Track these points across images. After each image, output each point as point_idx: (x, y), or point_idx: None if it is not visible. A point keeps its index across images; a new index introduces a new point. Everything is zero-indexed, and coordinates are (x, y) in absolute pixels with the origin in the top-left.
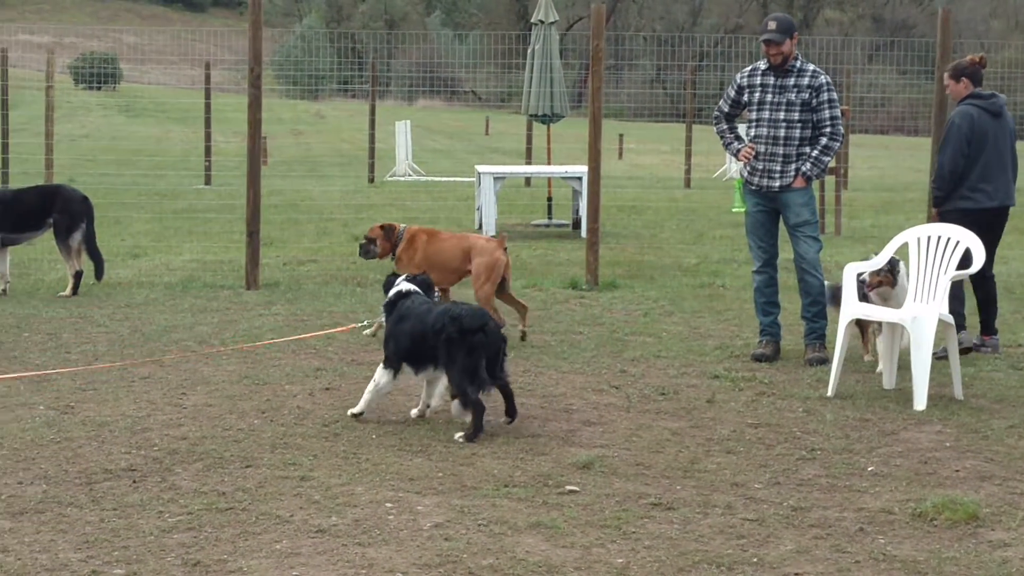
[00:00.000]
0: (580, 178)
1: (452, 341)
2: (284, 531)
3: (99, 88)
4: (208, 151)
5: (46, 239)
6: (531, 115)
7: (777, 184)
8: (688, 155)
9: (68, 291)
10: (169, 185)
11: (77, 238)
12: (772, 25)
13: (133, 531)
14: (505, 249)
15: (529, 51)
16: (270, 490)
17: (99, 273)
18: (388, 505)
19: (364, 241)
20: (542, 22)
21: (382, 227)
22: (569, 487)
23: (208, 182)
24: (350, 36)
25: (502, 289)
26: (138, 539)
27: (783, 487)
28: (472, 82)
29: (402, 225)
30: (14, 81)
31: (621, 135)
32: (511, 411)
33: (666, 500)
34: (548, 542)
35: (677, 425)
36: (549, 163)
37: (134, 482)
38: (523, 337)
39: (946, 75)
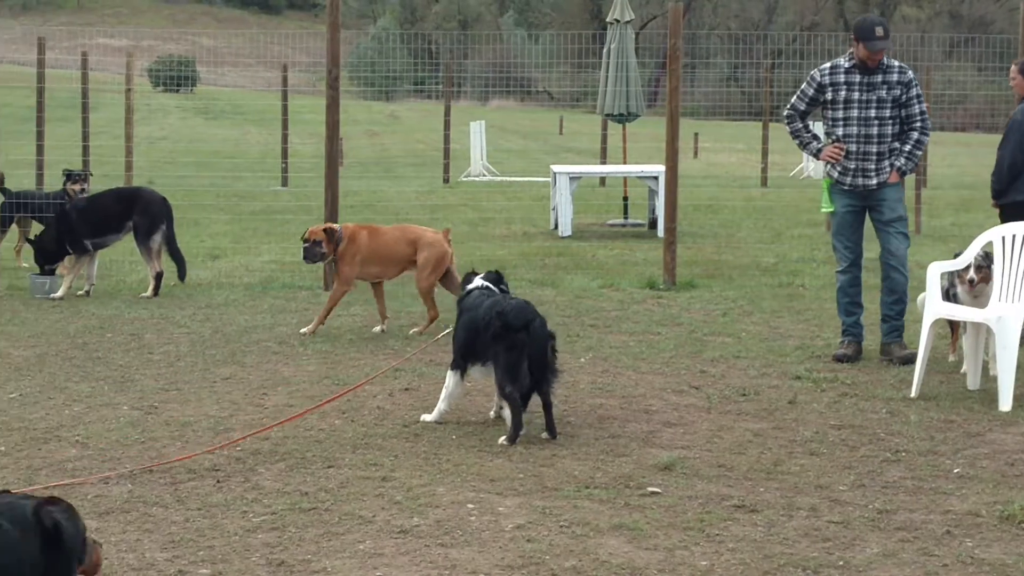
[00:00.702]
0: (656, 177)
1: (496, 337)
2: (367, 531)
3: (177, 91)
4: (285, 153)
5: (126, 241)
6: (607, 114)
7: (874, 181)
8: (765, 153)
9: (150, 292)
10: (247, 187)
11: (157, 240)
12: (880, 32)
13: (218, 531)
14: (449, 241)
15: (605, 50)
16: (352, 490)
17: (181, 274)
18: (470, 506)
19: (308, 244)
20: (618, 21)
21: (324, 229)
22: (651, 488)
23: (285, 184)
24: (424, 37)
25: (450, 283)
26: (223, 539)
27: (868, 489)
28: (546, 82)
29: (338, 225)
30: (93, 84)
31: (696, 134)
32: (550, 427)
33: (749, 502)
34: (631, 544)
35: (759, 426)
36: (625, 162)
37: (218, 482)
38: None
39: (1014, 68)
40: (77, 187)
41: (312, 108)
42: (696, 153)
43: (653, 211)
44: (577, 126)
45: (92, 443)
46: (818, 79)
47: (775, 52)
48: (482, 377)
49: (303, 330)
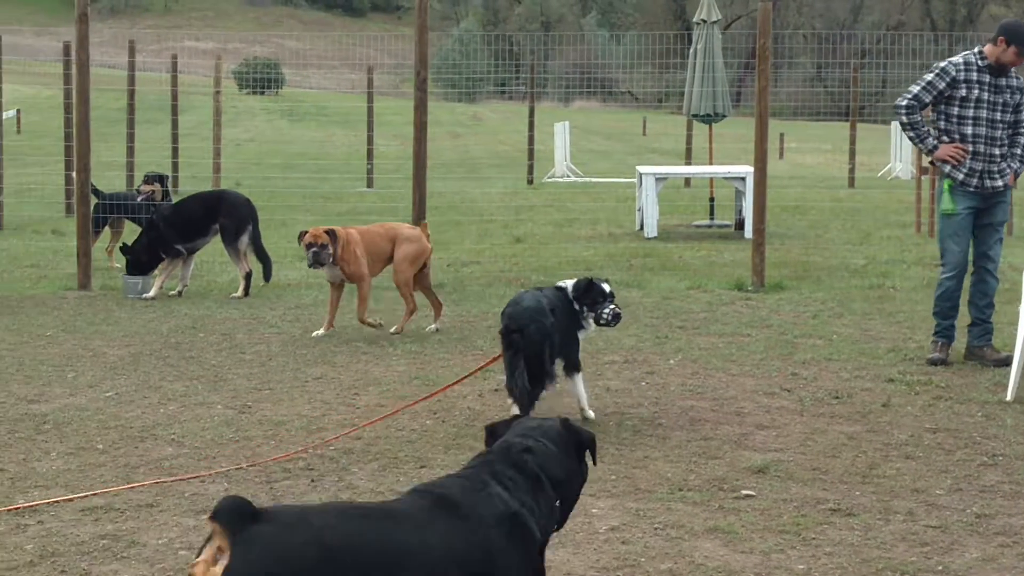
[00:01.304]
0: (743, 178)
1: (501, 335)
2: None
3: (262, 93)
4: (370, 154)
5: (216, 243)
6: (693, 115)
7: (1000, 183)
8: (852, 154)
9: (240, 292)
10: (332, 188)
11: (244, 241)
12: None
13: None
14: (428, 236)
15: (691, 50)
16: None
17: (267, 274)
18: (595, 511)
19: (316, 248)
20: (704, 21)
21: (327, 231)
22: (745, 491)
23: (370, 185)
24: (507, 38)
25: (422, 279)
26: None
27: (965, 493)
28: (628, 82)
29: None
30: (181, 87)
31: (782, 134)
32: None
33: (845, 506)
34: (726, 547)
35: (852, 429)
36: (711, 163)
37: (312, 481)
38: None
39: None
40: (147, 188)
41: (395, 110)
42: (782, 154)
43: (740, 212)
44: (660, 127)
45: (187, 441)
46: (952, 74)
47: (861, 52)
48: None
49: (394, 329)
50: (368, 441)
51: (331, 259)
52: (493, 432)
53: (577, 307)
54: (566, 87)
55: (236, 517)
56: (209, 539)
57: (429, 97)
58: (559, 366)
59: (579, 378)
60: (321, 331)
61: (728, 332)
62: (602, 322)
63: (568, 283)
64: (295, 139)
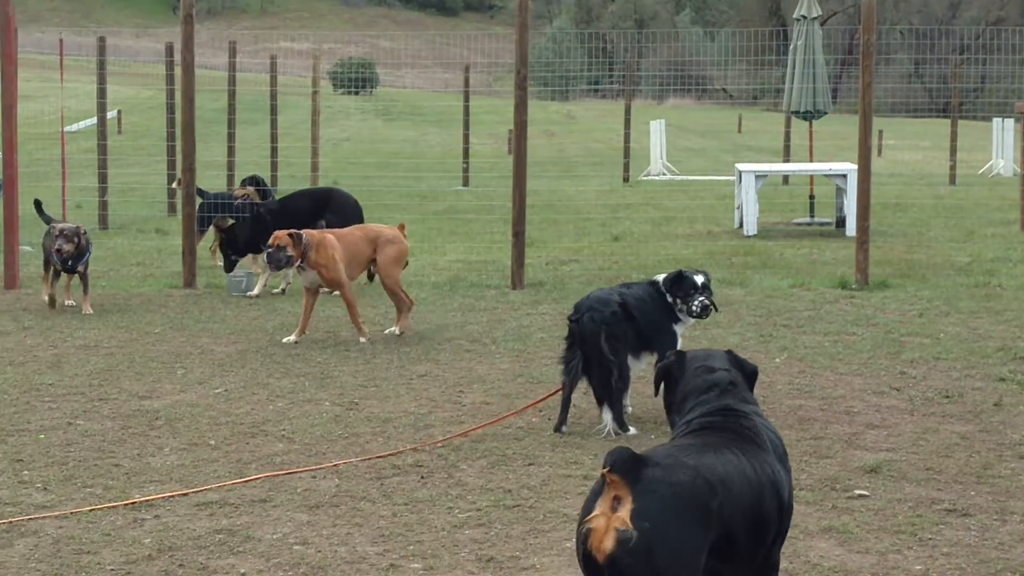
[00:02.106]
0: (844, 175)
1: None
2: (572, 529)
3: (356, 93)
4: (466, 153)
5: None
6: (793, 112)
7: None
8: (953, 151)
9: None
10: (428, 187)
11: None
12: None
13: (425, 526)
14: (405, 236)
15: (791, 47)
16: (555, 488)
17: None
18: None
19: (272, 248)
20: (804, 17)
21: (289, 234)
22: (858, 491)
23: (466, 183)
24: (600, 36)
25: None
26: (431, 534)
27: None
28: (723, 80)
29: (302, 233)
30: (277, 87)
31: (880, 131)
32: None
33: (961, 506)
34: (842, 547)
35: (965, 429)
36: (811, 160)
37: (422, 477)
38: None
39: None
40: (241, 192)
41: (489, 109)
42: (880, 151)
43: (840, 209)
44: (756, 124)
45: (298, 438)
46: None
47: (960, 47)
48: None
49: (397, 330)
50: (475, 439)
51: (291, 261)
52: (668, 372)
53: (670, 299)
54: (660, 85)
55: (631, 466)
56: (599, 493)
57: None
58: (650, 358)
59: None
60: (292, 337)
61: (833, 331)
62: (693, 313)
63: (661, 277)
64: (390, 138)
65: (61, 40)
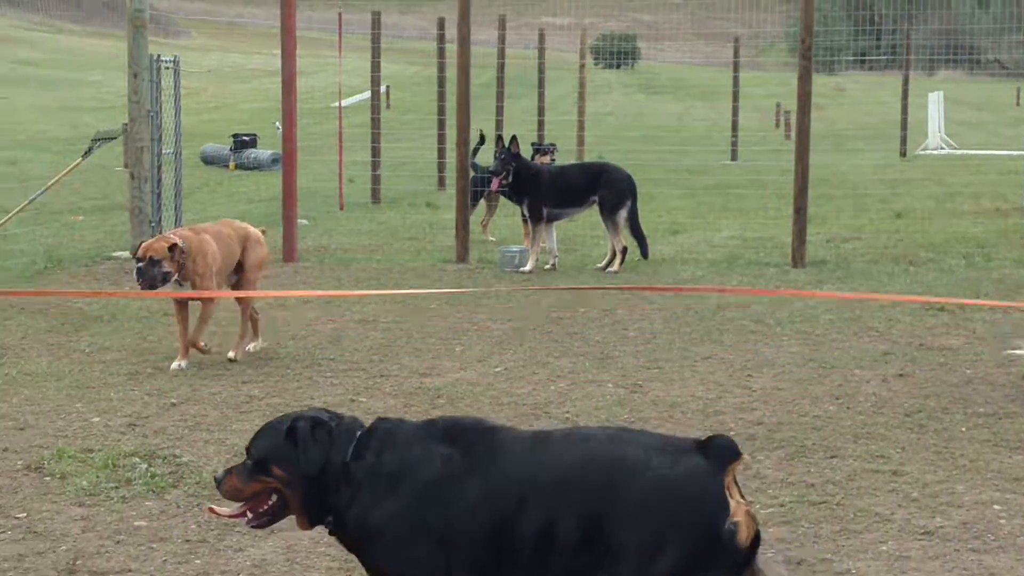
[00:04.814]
0: None
1: None
2: (887, 531)
3: (617, 67)
4: (735, 126)
5: (588, 215)
6: None
7: None
8: None
9: (616, 266)
10: (695, 161)
11: (623, 215)
12: None
13: None
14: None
15: None
16: (862, 484)
17: (644, 252)
18: (996, 507)
19: (143, 263)
20: None
21: (170, 247)
22: None
23: (734, 158)
24: (867, 5)
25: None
26: None
27: None
28: (996, 50)
29: (177, 239)
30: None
31: None
32: None
33: None
34: None
35: None
36: None
37: None
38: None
39: None
40: (546, 158)
41: (754, 82)
42: None
43: None
44: None
45: (582, 420)
46: None
47: None
48: None
49: (174, 364)
50: (771, 427)
51: (167, 278)
52: None
53: None
54: (930, 55)
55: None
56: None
57: (785, 68)
58: None
59: None
60: (181, 363)
61: None
62: None
63: None
64: (653, 112)
65: (340, 15)
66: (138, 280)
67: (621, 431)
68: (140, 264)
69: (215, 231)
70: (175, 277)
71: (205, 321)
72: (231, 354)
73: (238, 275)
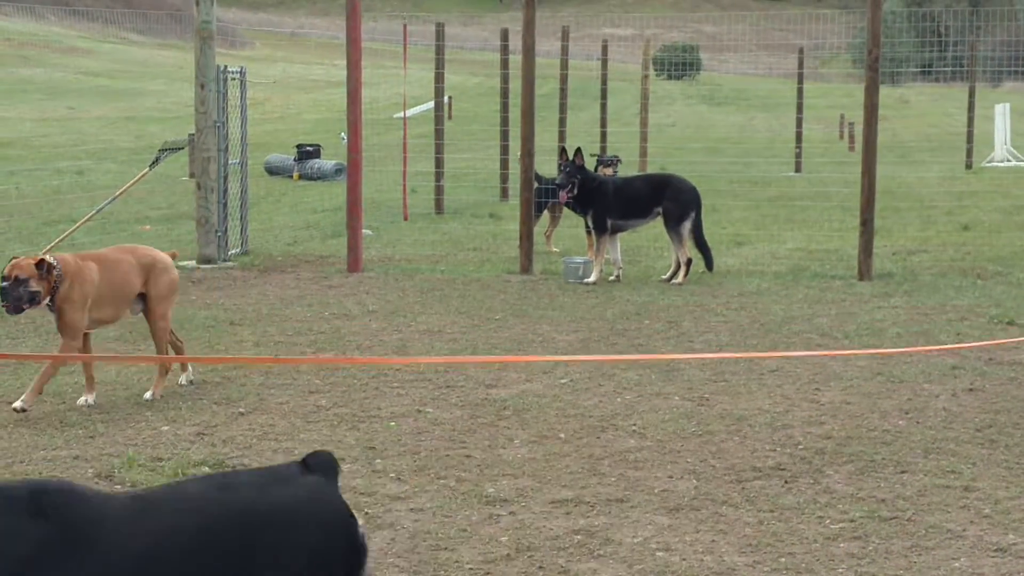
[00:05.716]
0: None
1: None
2: (959, 547)
3: (679, 78)
4: (799, 137)
5: (651, 228)
6: None
7: None
8: None
9: (680, 278)
10: (758, 172)
11: (687, 227)
12: None
13: (795, 536)
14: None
15: None
16: (932, 500)
17: (709, 264)
18: None
19: (8, 283)
20: None
21: (37, 263)
22: None
23: (798, 169)
24: (932, 16)
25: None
26: (802, 545)
27: None
28: None
29: (49, 256)
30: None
31: None
32: None
33: None
34: None
35: None
36: None
37: (785, 482)
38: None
39: None
40: (609, 171)
41: (817, 93)
42: None
43: None
44: None
45: (649, 433)
46: None
47: None
48: None
49: (15, 404)
50: (839, 441)
51: (34, 299)
52: None
53: None
54: (996, 67)
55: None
56: None
57: (849, 79)
58: None
59: None
60: (88, 398)
61: None
62: None
63: None
64: (715, 124)
65: (405, 26)
66: (3, 302)
67: (223, 476)
68: (5, 284)
69: (106, 258)
70: (46, 301)
71: (53, 369)
72: (148, 394)
73: (143, 305)
